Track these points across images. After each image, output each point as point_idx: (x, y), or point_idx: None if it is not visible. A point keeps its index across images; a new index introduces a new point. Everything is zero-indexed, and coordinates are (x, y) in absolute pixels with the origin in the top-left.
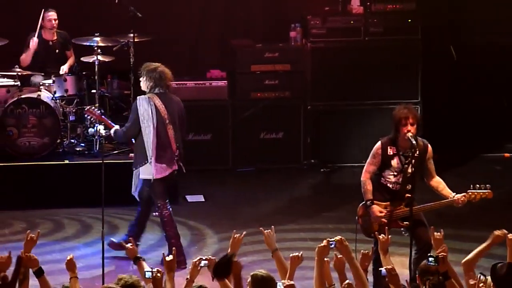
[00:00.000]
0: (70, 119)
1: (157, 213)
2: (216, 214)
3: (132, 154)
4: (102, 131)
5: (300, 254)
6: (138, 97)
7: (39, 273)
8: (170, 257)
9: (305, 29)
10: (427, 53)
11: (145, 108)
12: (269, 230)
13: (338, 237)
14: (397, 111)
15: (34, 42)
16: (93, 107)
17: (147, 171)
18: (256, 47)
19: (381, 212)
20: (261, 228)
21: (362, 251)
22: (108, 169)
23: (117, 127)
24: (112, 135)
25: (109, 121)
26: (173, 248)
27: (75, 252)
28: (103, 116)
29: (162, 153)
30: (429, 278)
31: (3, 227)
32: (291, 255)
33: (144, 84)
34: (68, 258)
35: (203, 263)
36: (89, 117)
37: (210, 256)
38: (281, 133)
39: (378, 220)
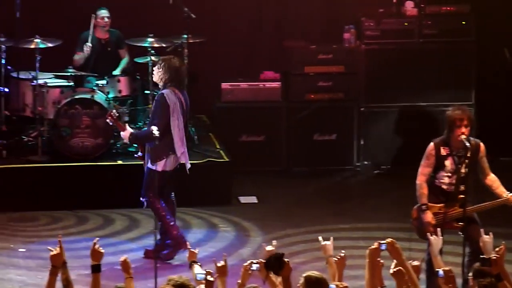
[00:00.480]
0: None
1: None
2: (268, 215)
3: (138, 154)
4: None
5: (343, 255)
6: (162, 92)
7: (96, 269)
8: (222, 263)
9: (359, 31)
10: (482, 55)
11: (173, 101)
12: (328, 243)
13: (389, 239)
14: (451, 112)
15: (87, 47)
16: (114, 111)
17: (167, 163)
18: (310, 49)
19: (433, 218)
20: (320, 238)
21: (411, 262)
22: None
23: (131, 130)
24: (129, 139)
25: (126, 126)
26: (224, 254)
27: (128, 252)
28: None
29: (184, 145)
30: (482, 280)
31: (56, 228)
32: (338, 255)
33: (158, 75)
34: (123, 259)
35: (254, 266)
36: (109, 122)
37: (261, 260)
38: (334, 134)
39: (429, 225)
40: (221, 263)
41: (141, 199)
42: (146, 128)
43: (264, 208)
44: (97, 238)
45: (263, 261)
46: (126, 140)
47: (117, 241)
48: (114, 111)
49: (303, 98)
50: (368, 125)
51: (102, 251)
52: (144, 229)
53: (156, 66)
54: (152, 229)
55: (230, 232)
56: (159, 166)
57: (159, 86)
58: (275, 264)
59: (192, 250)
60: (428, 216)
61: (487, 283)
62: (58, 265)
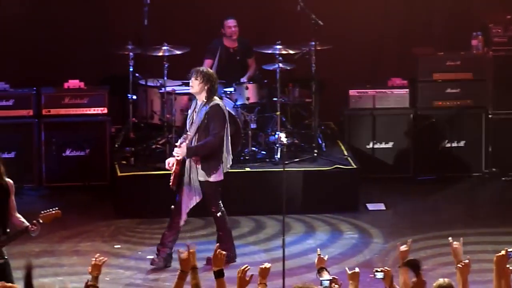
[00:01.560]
0: (251, 126)
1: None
2: (395, 222)
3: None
4: (284, 139)
5: (467, 261)
6: (216, 102)
7: (220, 275)
8: (355, 270)
9: (487, 37)
10: None
11: (227, 111)
12: (458, 243)
13: None
14: None
15: (212, 54)
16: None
17: (221, 172)
18: (437, 55)
19: None
20: (450, 239)
21: None
22: (290, 177)
23: (179, 152)
24: (188, 153)
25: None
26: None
27: (256, 258)
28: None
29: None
30: None
31: (183, 233)
32: (464, 261)
33: (198, 86)
34: (265, 266)
35: (378, 275)
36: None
37: (386, 268)
38: (463, 141)
39: None
40: (353, 271)
41: (214, 213)
42: (207, 139)
43: (392, 215)
44: (218, 244)
45: (387, 269)
46: (181, 157)
47: (241, 244)
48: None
49: (431, 105)
50: (497, 131)
51: (224, 253)
52: (269, 234)
53: (193, 77)
54: (279, 235)
55: (355, 237)
56: (218, 176)
57: (201, 97)
58: (414, 265)
59: (321, 256)
60: None
61: None
62: (187, 270)
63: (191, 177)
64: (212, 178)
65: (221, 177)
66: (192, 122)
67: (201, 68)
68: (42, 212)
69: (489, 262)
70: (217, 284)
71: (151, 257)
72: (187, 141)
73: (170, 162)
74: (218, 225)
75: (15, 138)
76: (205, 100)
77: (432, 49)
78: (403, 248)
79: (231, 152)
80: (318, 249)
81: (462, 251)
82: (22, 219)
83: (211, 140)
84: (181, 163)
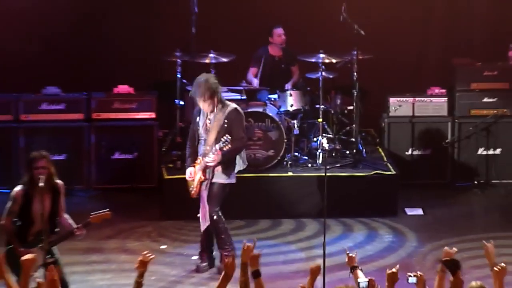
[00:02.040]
0: (294, 132)
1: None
2: (434, 227)
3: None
4: (325, 145)
5: (503, 265)
6: (233, 106)
7: (257, 275)
8: (393, 270)
9: None
10: None
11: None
12: (490, 244)
13: None
14: None
15: (252, 74)
16: None
17: (233, 176)
18: (475, 66)
19: None
20: (483, 241)
21: None
22: (331, 182)
23: (209, 159)
24: (222, 159)
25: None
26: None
27: (295, 257)
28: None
29: None
30: None
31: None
32: (499, 265)
33: (209, 104)
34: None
35: (411, 280)
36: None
37: (419, 273)
38: (499, 149)
39: None
40: (392, 270)
41: (212, 215)
42: (236, 144)
43: (429, 220)
44: (251, 243)
45: (421, 274)
46: (216, 162)
47: (282, 243)
48: None
49: (469, 113)
50: None
51: (259, 254)
52: (309, 235)
53: (200, 100)
54: (318, 235)
55: (392, 239)
56: (233, 178)
57: (218, 102)
58: (453, 265)
59: (350, 254)
60: None
61: None
62: (230, 273)
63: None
64: (228, 181)
65: (234, 180)
66: (208, 129)
67: (200, 89)
68: (93, 213)
69: None
70: (255, 284)
71: (196, 257)
72: (214, 147)
73: (192, 171)
74: (216, 227)
75: (66, 141)
76: (221, 106)
77: (470, 59)
78: (448, 251)
79: (245, 158)
80: (346, 248)
81: (494, 252)
82: (70, 221)
83: (239, 145)
84: (204, 171)
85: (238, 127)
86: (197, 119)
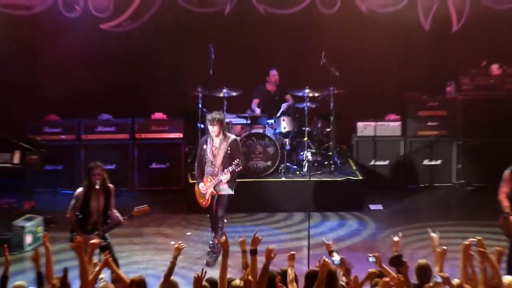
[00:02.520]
0: (286, 148)
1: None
2: (390, 218)
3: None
4: (310, 157)
5: (445, 248)
6: (233, 137)
7: (254, 253)
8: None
9: (458, 85)
10: None
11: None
12: (434, 235)
13: (478, 238)
14: None
15: (255, 104)
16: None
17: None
18: (422, 98)
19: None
20: (428, 229)
21: (496, 248)
22: (314, 185)
23: (225, 177)
24: (232, 177)
25: (224, 174)
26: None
27: (285, 237)
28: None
29: None
30: None
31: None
32: (440, 248)
33: (218, 130)
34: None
35: (370, 259)
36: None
37: (377, 254)
38: (440, 160)
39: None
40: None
41: (220, 215)
42: (235, 165)
43: (387, 213)
44: (257, 230)
45: (377, 254)
46: (227, 179)
47: (275, 228)
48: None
49: (416, 134)
50: (464, 153)
51: (260, 238)
52: (296, 222)
53: (213, 126)
54: (303, 222)
55: (358, 226)
56: (233, 191)
57: (219, 136)
58: (397, 262)
59: (327, 242)
60: (509, 218)
61: None
62: (227, 249)
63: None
64: (231, 192)
65: (232, 192)
66: (214, 154)
67: (214, 117)
68: (135, 208)
69: (458, 248)
70: (252, 260)
71: (212, 243)
72: (222, 166)
73: (203, 186)
74: (220, 222)
75: (115, 154)
76: (223, 137)
77: (418, 93)
78: (395, 238)
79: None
80: (323, 238)
81: (437, 239)
82: (118, 214)
83: (241, 169)
84: (215, 187)
85: (238, 153)
86: (204, 146)
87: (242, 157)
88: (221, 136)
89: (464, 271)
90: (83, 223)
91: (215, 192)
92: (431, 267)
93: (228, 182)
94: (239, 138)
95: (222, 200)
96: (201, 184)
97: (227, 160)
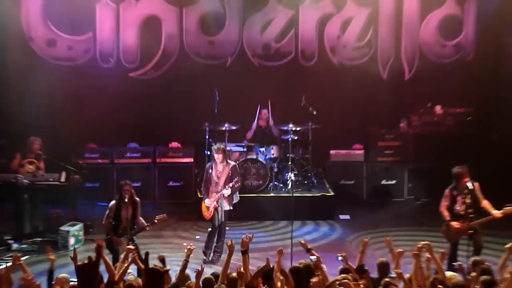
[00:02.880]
0: (274, 170)
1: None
2: (355, 225)
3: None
4: (293, 178)
5: (401, 250)
6: (233, 163)
7: (244, 253)
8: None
9: (409, 122)
10: (481, 137)
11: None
12: (389, 237)
13: (427, 242)
14: (460, 170)
15: (249, 136)
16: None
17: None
18: (380, 132)
19: (457, 224)
20: (386, 238)
21: (440, 250)
22: (296, 199)
23: (226, 191)
24: (232, 192)
25: (225, 190)
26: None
27: (271, 238)
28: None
29: None
30: (479, 267)
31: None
32: (397, 250)
33: (222, 158)
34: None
35: (339, 258)
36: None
37: (344, 254)
38: (394, 180)
39: (456, 230)
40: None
41: (223, 225)
42: (234, 182)
43: (353, 221)
44: (252, 234)
45: (344, 254)
46: (228, 193)
47: (265, 231)
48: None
49: (376, 160)
50: (414, 175)
51: (247, 240)
52: (281, 227)
53: (219, 154)
54: (287, 227)
55: (329, 231)
56: (232, 206)
57: (223, 162)
58: (360, 271)
59: (303, 242)
60: (454, 224)
61: (486, 268)
62: (232, 250)
63: (220, 207)
64: (230, 207)
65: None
66: (218, 176)
67: (220, 147)
68: (157, 216)
69: (409, 249)
70: (243, 259)
71: (216, 244)
72: (224, 186)
73: (208, 201)
74: (224, 232)
75: (140, 174)
76: (225, 163)
77: (377, 128)
78: (365, 239)
79: (238, 195)
80: (300, 240)
81: (391, 242)
82: (143, 221)
83: (239, 185)
84: (217, 201)
85: (237, 174)
86: (210, 170)
87: (240, 177)
88: (224, 162)
89: (415, 268)
90: (115, 228)
91: (218, 206)
92: (390, 264)
93: (228, 198)
94: (237, 162)
95: (224, 213)
96: (207, 200)
97: (228, 181)
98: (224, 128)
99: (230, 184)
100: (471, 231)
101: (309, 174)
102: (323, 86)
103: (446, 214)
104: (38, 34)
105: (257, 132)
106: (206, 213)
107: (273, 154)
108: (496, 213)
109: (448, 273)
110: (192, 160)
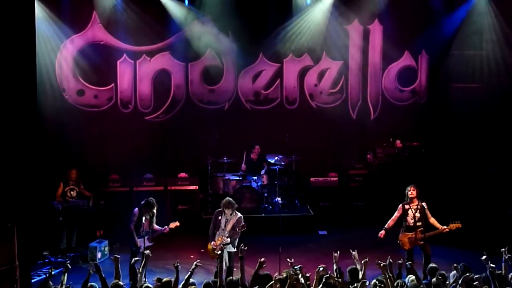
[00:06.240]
0: (265, 195)
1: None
2: (332, 240)
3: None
4: (280, 201)
5: (367, 259)
6: (240, 215)
7: (241, 258)
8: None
9: (374, 154)
10: (433, 162)
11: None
12: (354, 252)
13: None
14: (411, 188)
15: (243, 167)
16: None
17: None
18: (351, 162)
19: (405, 237)
20: (353, 252)
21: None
22: (284, 219)
23: (227, 240)
24: (229, 242)
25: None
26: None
27: (263, 248)
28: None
29: None
30: (435, 273)
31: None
32: (363, 261)
33: (233, 211)
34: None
35: (321, 268)
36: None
37: (324, 265)
38: (363, 201)
39: (410, 239)
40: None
41: (232, 263)
42: (239, 228)
43: (330, 237)
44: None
45: (324, 265)
46: (228, 242)
47: (258, 243)
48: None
49: (349, 185)
50: (379, 197)
51: (245, 248)
52: (269, 242)
53: (229, 210)
54: (276, 242)
55: (311, 244)
56: (234, 249)
57: (232, 213)
58: (353, 273)
59: (290, 262)
60: (404, 235)
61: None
62: (243, 255)
63: (225, 250)
64: (234, 249)
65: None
66: (226, 223)
67: (231, 203)
68: (171, 222)
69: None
70: (240, 264)
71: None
72: (230, 233)
73: (214, 243)
74: (233, 265)
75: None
76: (234, 214)
77: (349, 159)
78: (353, 253)
79: (235, 244)
80: (288, 260)
81: (357, 255)
82: (158, 227)
83: (244, 228)
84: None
85: (240, 223)
86: (219, 217)
87: (244, 223)
88: (232, 214)
89: (385, 276)
90: (137, 231)
91: (223, 247)
92: (359, 271)
93: (231, 242)
94: (236, 186)
95: (230, 255)
96: (212, 242)
97: (233, 228)
98: (223, 161)
99: (237, 229)
100: (421, 242)
101: (293, 198)
102: (304, 125)
103: (390, 223)
104: (69, 85)
105: (250, 164)
106: (212, 254)
107: (263, 182)
108: (444, 228)
109: (408, 277)
110: (197, 187)
